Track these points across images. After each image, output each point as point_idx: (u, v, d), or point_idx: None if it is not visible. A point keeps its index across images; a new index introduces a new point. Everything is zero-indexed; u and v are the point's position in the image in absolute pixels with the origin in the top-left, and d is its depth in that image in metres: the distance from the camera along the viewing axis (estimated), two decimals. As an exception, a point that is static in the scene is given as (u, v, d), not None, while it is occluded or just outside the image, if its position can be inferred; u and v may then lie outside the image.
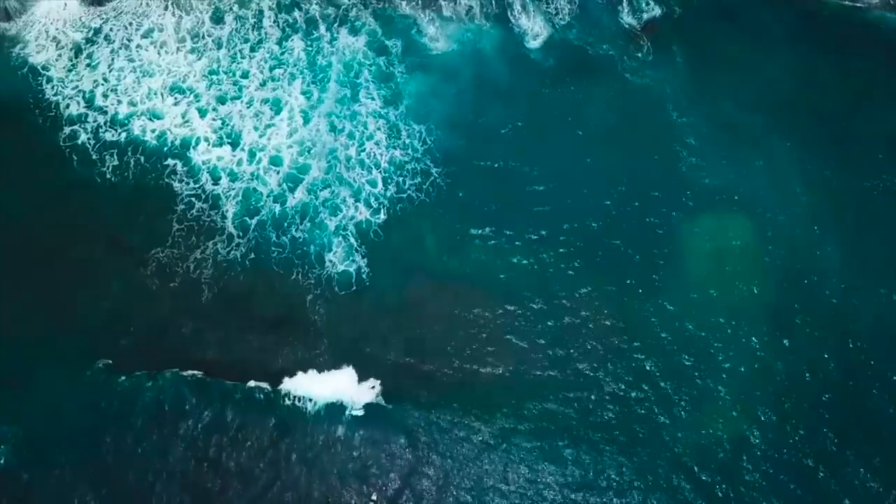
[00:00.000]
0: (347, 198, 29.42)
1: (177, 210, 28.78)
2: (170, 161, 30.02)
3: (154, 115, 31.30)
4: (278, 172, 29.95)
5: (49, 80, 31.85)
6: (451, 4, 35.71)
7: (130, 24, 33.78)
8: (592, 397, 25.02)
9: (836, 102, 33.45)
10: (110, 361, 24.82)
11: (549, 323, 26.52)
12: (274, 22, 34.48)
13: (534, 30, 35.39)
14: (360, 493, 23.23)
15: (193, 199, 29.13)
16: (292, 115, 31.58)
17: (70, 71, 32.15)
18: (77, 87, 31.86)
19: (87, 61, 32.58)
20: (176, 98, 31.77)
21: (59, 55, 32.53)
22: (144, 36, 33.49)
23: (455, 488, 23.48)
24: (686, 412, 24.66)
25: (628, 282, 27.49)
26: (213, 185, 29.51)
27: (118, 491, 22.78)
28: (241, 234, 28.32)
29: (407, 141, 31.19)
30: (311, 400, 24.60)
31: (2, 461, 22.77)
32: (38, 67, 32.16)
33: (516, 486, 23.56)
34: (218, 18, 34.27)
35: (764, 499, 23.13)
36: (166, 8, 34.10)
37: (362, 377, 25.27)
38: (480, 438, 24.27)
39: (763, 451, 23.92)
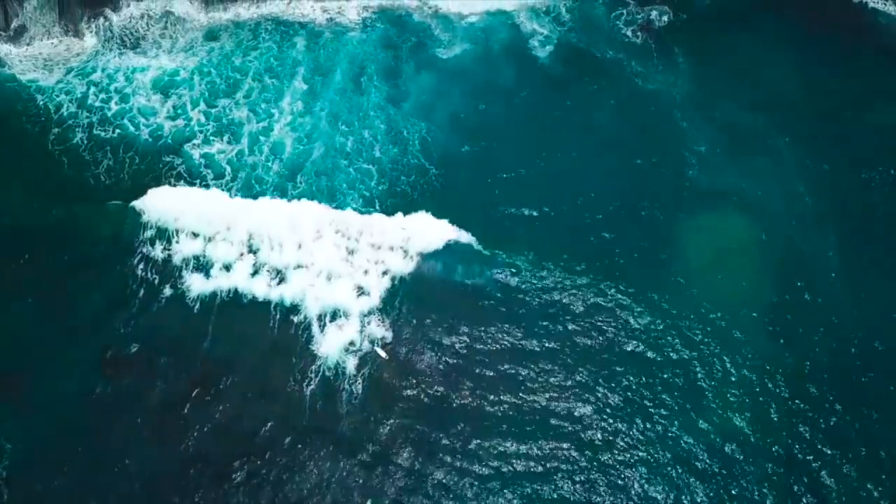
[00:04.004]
0: (344, 184, 29.19)
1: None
2: (168, 157, 29.60)
3: (148, 112, 30.96)
4: (281, 160, 29.70)
5: (40, 88, 31.29)
6: (459, 8, 36.30)
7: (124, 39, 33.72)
8: (592, 395, 24.44)
9: (842, 103, 33.63)
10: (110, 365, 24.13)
11: (548, 323, 25.88)
12: (274, 29, 34.82)
13: (540, 35, 35.72)
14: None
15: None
16: (294, 101, 31.67)
17: (59, 82, 31.71)
18: (69, 89, 31.43)
19: (79, 72, 32.34)
20: (169, 94, 31.60)
21: (51, 71, 32.21)
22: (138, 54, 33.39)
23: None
24: (687, 409, 24.19)
25: (630, 283, 27.04)
26: (215, 179, 29.08)
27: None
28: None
29: (406, 136, 31.13)
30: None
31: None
32: (26, 81, 31.69)
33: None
34: (212, 37, 34.32)
35: (763, 497, 22.56)
36: (165, 28, 34.15)
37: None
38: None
39: (762, 450, 23.45)
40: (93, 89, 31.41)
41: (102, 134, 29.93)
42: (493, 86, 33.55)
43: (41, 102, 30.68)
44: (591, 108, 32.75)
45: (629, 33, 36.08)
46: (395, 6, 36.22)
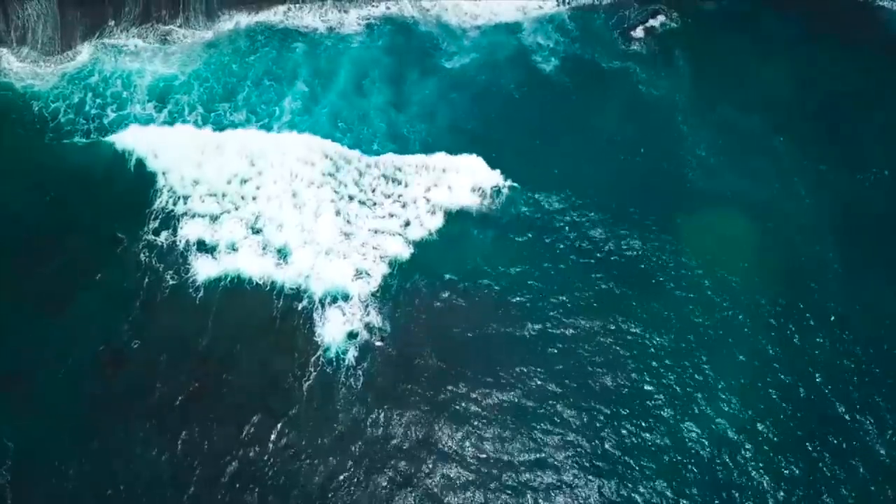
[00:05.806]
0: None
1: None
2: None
3: (145, 117, 30.86)
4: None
5: (36, 95, 31.17)
6: (462, 18, 36.66)
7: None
8: (591, 394, 24.38)
9: (844, 103, 33.75)
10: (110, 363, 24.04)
11: (548, 326, 25.81)
12: (273, 36, 34.97)
13: (543, 43, 35.93)
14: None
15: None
16: (294, 100, 31.92)
17: (55, 88, 31.61)
18: (65, 96, 31.34)
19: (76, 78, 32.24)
20: (166, 98, 31.51)
21: (48, 77, 32.09)
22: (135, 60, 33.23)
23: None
24: (686, 408, 24.13)
25: (630, 284, 27.01)
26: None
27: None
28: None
29: (407, 136, 31.27)
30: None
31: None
32: (21, 87, 31.56)
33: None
34: (211, 44, 34.37)
35: (761, 496, 22.49)
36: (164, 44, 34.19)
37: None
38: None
39: (761, 450, 23.35)
40: (90, 95, 31.26)
41: (101, 139, 29.74)
42: (495, 91, 33.66)
43: (37, 109, 30.48)
44: (593, 113, 32.83)
45: (632, 39, 36.27)
46: (397, 16, 36.42)
